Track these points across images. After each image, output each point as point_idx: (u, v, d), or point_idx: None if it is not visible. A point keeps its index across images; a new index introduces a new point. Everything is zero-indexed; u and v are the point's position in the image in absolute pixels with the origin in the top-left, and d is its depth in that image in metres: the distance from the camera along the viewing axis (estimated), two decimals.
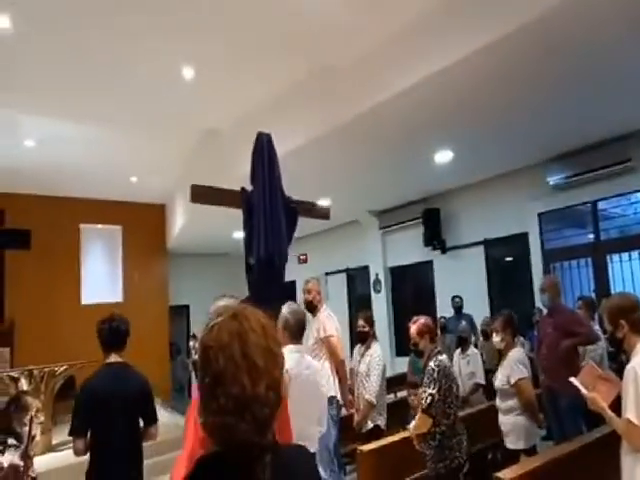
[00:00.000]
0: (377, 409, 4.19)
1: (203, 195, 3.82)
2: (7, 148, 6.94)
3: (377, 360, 4.25)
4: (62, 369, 5.95)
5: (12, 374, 5.75)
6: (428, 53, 4.21)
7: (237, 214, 3.79)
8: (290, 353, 2.62)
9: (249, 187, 3.66)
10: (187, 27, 4.52)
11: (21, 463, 2.39)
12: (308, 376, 2.67)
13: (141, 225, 9.88)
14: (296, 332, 2.81)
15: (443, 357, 3.22)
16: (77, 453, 2.75)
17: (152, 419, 3.00)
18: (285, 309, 2.88)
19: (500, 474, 2.73)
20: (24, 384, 5.61)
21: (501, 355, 3.80)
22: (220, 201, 3.85)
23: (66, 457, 3.32)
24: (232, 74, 5.41)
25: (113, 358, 2.99)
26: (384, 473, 3.45)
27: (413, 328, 3.37)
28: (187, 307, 11.79)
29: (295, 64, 5.20)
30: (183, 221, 8.98)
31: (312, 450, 2.53)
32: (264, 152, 3.70)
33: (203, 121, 6.79)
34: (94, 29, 4.50)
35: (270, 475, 0.81)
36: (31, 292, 8.38)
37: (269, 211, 3.52)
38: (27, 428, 2.56)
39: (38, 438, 2.65)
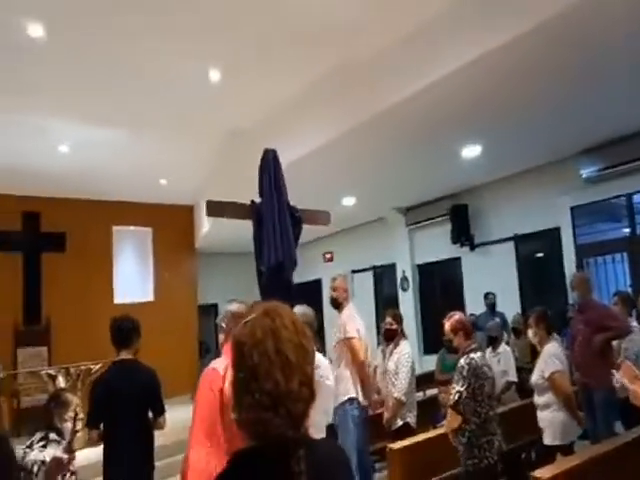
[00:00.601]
0: (407, 407, 4.16)
1: (217, 209, 4.21)
2: (43, 154, 7.19)
3: (406, 357, 4.22)
4: (97, 367, 6.12)
5: (50, 372, 5.97)
6: (453, 48, 4.16)
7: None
8: None
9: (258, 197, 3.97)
10: (211, 28, 4.58)
11: (64, 456, 2.47)
12: (322, 371, 2.85)
13: (170, 226, 10.07)
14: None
15: (476, 355, 3.16)
16: (91, 441, 3.03)
17: (160, 411, 3.22)
18: (296, 310, 2.94)
19: (537, 473, 2.66)
20: (61, 381, 5.80)
21: (535, 352, 3.73)
22: (233, 214, 4.18)
23: (102, 452, 3.45)
24: (256, 74, 5.45)
25: (123, 355, 3.23)
26: (415, 471, 3.42)
27: (447, 324, 3.32)
28: (215, 306, 11.94)
29: (318, 62, 5.21)
30: (211, 221, 9.12)
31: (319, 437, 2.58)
32: (270, 167, 4.03)
33: (229, 122, 6.87)
34: (122, 34, 4.61)
35: (305, 469, 0.82)
36: (66, 293, 8.65)
37: (277, 221, 3.85)
38: (68, 424, 2.65)
39: (80, 434, 2.74)
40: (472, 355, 3.14)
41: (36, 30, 4.44)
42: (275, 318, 0.93)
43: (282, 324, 0.92)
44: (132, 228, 9.92)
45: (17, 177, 7.76)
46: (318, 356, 2.73)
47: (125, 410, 3.05)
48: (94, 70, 5.23)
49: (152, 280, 9.97)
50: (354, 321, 4.10)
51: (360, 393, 3.94)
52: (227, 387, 2.15)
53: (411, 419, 4.18)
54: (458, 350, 3.29)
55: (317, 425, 2.68)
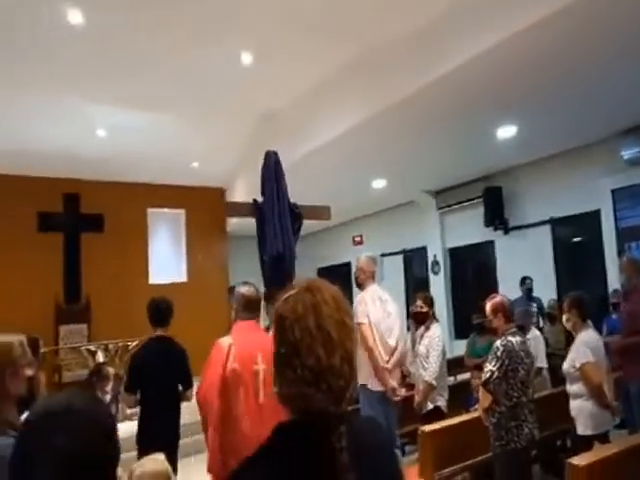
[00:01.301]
0: (437, 390, 4.14)
1: (236, 209, 5.08)
2: (81, 137, 7.40)
3: (436, 341, 4.18)
4: (134, 343, 6.37)
5: (90, 348, 6.24)
6: (490, 23, 4.01)
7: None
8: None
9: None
10: (243, 11, 4.56)
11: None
12: None
13: (202, 208, 10.23)
14: None
15: (514, 338, 3.13)
16: (127, 405, 3.43)
17: (188, 385, 3.56)
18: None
19: (574, 461, 2.62)
20: (101, 357, 6.07)
21: (569, 339, 3.65)
22: (250, 213, 4.73)
23: (136, 426, 3.65)
24: (287, 57, 5.42)
25: (159, 332, 3.55)
26: (445, 454, 3.42)
27: (488, 305, 3.31)
28: None
29: (349, 44, 5.12)
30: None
31: None
32: (272, 168, 4.56)
33: (260, 105, 6.88)
34: (157, 19, 4.65)
35: (346, 445, 0.82)
36: (105, 272, 8.96)
37: (278, 217, 4.36)
38: (108, 396, 2.77)
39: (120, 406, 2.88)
40: (510, 338, 3.12)
41: (75, 16, 4.53)
42: (316, 294, 0.93)
43: (323, 299, 0.92)
44: (166, 210, 10.14)
45: (58, 160, 8.02)
46: None
47: (158, 382, 3.40)
48: (130, 55, 5.31)
49: (185, 261, 10.20)
50: (365, 305, 3.94)
51: (374, 379, 3.84)
52: (230, 363, 2.60)
53: (442, 403, 4.16)
54: (497, 332, 3.26)
55: None
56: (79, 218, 9.07)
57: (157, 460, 1.96)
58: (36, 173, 8.58)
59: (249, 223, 11.15)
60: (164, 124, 7.23)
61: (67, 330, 8.52)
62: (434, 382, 4.08)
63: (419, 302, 4.42)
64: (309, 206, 4.90)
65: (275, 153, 4.63)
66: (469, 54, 4.20)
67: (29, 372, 1.64)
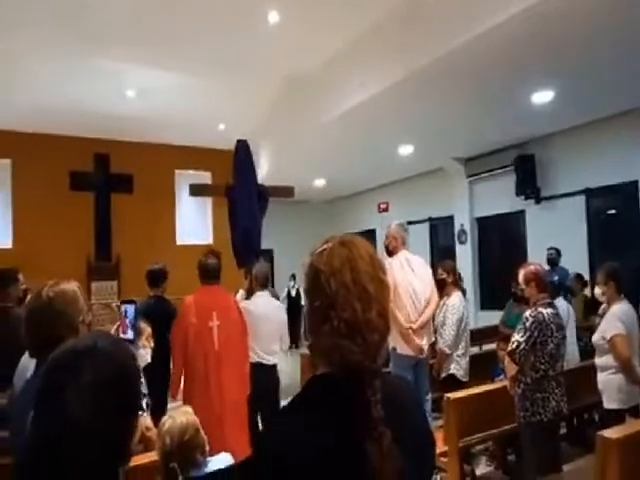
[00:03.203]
0: (453, 359, 4.16)
1: (199, 190, 6.38)
2: (112, 98, 7.44)
3: (452, 310, 4.17)
4: None
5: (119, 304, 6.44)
6: None
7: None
8: (259, 297, 4.13)
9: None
10: None
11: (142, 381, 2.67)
12: (272, 310, 4.16)
13: (229, 171, 10.20)
14: (263, 282, 4.20)
15: (546, 310, 3.02)
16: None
17: None
18: (257, 266, 4.36)
19: (605, 434, 2.57)
20: None
21: (588, 311, 3.54)
22: (212, 193, 6.27)
23: None
24: (315, 18, 5.27)
25: (154, 292, 4.17)
26: (470, 422, 3.40)
27: (521, 274, 3.20)
28: (271, 251, 12.27)
29: (378, 5, 4.92)
30: (267, 168, 9.18)
31: (273, 362, 4.04)
32: (242, 156, 5.41)
33: (287, 67, 6.76)
34: None
35: (379, 399, 0.83)
36: (134, 232, 9.16)
37: (248, 197, 5.21)
38: (141, 350, 2.86)
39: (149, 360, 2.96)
40: (541, 309, 3.02)
41: None
42: (352, 249, 0.92)
43: (359, 254, 0.91)
44: (192, 172, 10.20)
45: (89, 120, 8.11)
46: (272, 300, 4.30)
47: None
48: (158, 17, 5.28)
49: (211, 223, 10.32)
50: (391, 269, 3.84)
51: (403, 343, 3.85)
52: (190, 317, 3.42)
53: (457, 371, 4.16)
54: (529, 301, 3.19)
55: (274, 352, 4.06)
56: (109, 178, 9.23)
57: (186, 412, 2.02)
58: (68, 132, 8.70)
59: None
60: (192, 86, 7.20)
61: (97, 286, 8.83)
62: (447, 350, 4.10)
63: (440, 270, 4.42)
64: (274, 186, 5.89)
65: (245, 142, 5.48)
66: (504, 14, 3.97)
67: (88, 319, 1.72)
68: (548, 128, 7.28)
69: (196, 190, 6.27)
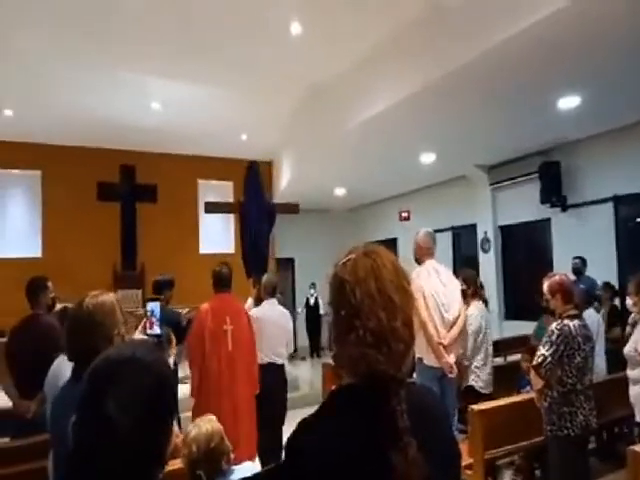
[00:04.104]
0: (471, 370, 4.08)
1: (214, 207, 7.29)
2: (138, 110, 7.64)
3: (469, 320, 4.09)
4: (185, 311, 6.60)
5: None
6: None
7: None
8: (266, 304, 4.43)
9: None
10: None
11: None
12: (279, 317, 4.44)
13: None
14: (271, 291, 4.46)
15: (572, 322, 2.93)
16: None
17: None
18: (266, 276, 4.65)
19: (637, 448, 2.47)
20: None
21: (611, 322, 3.43)
22: (226, 210, 7.37)
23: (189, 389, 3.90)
24: (337, 27, 5.31)
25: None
26: (496, 435, 3.34)
27: (545, 285, 3.10)
28: (292, 260, 12.31)
29: (400, 13, 4.95)
30: (288, 177, 9.25)
31: (281, 362, 4.40)
32: (252, 177, 6.48)
33: (309, 77, 6.82)
34: None
35: (406, 409, 0.82)
36: (158, 241, 9.33)
37: (256, 214, 6.17)
38: (172, 358, 2.90)
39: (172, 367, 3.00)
40: (567, 321, 2.93)
41: None
42: (376, 258, 0.93)
43: (382, 264, 0.92)
44: (215, 182, 10.35)
45: (115, 131, 8.34)
46: (279, 307, 4.48)
47: None
48: (182, 31, 5.40)
49: (233, 233, 10.43)
50: (418, 278, 3.74)
51: (430, 354, 3.70)
52: (208, 322, 3.79)
53: (476, 383, 4.09)
54: (555, 313, 3.10)
55: (281, 355, 4.39)
56: (135, 188, 9.44)
57: (211, 420, 2.04)
58: (96, 144, 8.95)
59: (296, 196, 11.31)
60: (215, 97, 7.33)
61: (123, 295, 8.98)
62: (465, 362, 4.02)
63: (459, 280, 4.33)
64: (280, 203, 7.03)
65: (256, 163, 6.58)
66: (531, 19, 3.92)
67: (122, 331, 1.75)
68: (574, 134, 7.14)
69: (211, 208, 7.09)
